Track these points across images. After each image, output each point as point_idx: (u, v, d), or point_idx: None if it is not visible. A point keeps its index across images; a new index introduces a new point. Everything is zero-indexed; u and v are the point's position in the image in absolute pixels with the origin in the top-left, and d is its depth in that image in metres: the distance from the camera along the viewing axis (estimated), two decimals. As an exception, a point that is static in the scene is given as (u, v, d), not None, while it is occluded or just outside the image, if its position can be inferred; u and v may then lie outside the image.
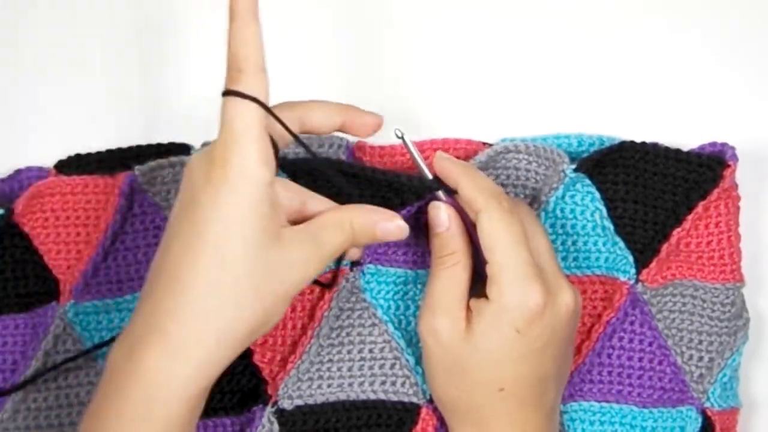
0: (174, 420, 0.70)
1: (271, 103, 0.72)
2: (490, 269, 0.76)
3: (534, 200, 0.84)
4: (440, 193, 0.79)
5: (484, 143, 0.87)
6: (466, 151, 0.86)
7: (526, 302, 0.75)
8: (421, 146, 0.86)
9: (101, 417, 0.71)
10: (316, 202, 0.77)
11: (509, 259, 0.75)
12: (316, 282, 0.82)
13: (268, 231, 0.70)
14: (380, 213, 0.76)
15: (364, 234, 0.76)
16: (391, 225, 0.76)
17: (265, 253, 0.70)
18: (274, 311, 0.72)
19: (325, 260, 0.75)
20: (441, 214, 0.78)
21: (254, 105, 0.70)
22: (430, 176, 0.79)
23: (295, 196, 0.76)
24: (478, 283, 0.78)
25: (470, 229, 0.78)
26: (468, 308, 0.77)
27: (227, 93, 0.71)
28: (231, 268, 0.69)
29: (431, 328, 0.77)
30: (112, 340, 0.83)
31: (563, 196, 0.83)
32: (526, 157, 0.83)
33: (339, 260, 0.82)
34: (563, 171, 0.83)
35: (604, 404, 0.84)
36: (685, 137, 0.85)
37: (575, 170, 0.83)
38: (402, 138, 0.78)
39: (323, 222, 0.75)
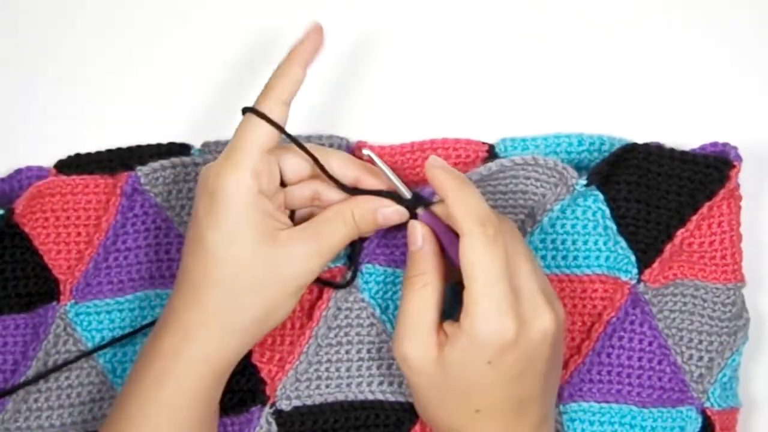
0: (185, 395, 0.77)
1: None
2: (466, 297, 0.74)
3: (537, 206, 0.83)
4: (420, 210, 0.78)
5: (484, 143, 0.86)
6: (465, 151, 0.86)
7: (497, 337, 0.74)
8: (421, 146, 0.86)
9: (126, 394, 0.78)
10: (328, 192, 0.80)
11: (485, 291, 0.74)
12: (330, 284, 0.83)
13: (262, 234, 0.76)
14: (378, 200, 0.79)
15: (366, 222, 0.79)
16: (390, 210, 0.79)
17: (261, 253, 0.76)
18: (278, 303, 0.78)
19: (326, 253, 0.78)
20: (416, 232, 0.78)
21: (264, 127, 0.76)
22: (408, 195, 0.79)
23: (306, 186, 0.80)
24: (460, 302, 0.77)
25: (448, 245, 0.77)
26: (443, 330, 0.76)
27: (246, 110, 0.77)
28: (228, 268, 0.76)
29: (401, 354, 0.76)
30: (114, 341, 0.84)
31: (567, 202, 0.83)
32: (525, 167, 0.82)
33: (354, 260, 0.83)
34: (572, 186, 0.82)
35: (603, 405, 0.83)
36: (685, 137, 0.85)
37: (586, 185, 0.82)
38: (371, 157, 0.78)
39: (324, 217, 0.78)
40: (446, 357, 0.75)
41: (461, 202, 0.75)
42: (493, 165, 0.82)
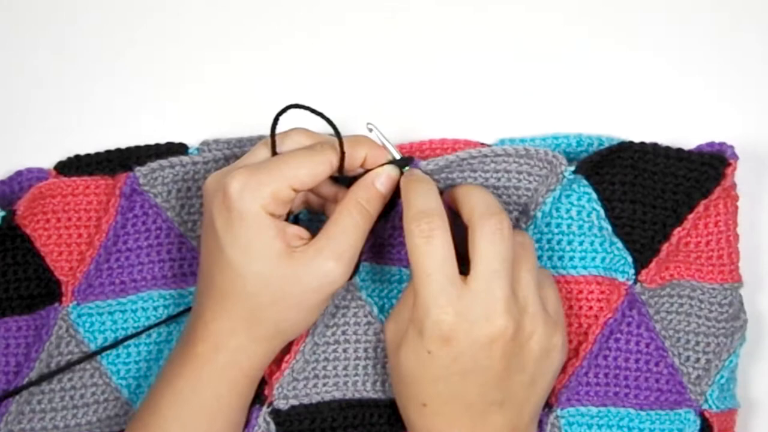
0: (220, 399, 0.79)
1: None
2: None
3: (530, 201, 0.83)
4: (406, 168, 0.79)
5: (483, 143, 0.86)
6: (462, 151, 0.86)
7: (434, 328, 0.75)
8: (420, 146, 0.86)
9: (157, 397, 0.80)
10: (325, 186, 0.80)
11: (420, 286, 0.75)
12: None
13: (279, 253, 0.76)
14: (368, 175, 0.79)
15: (372, 199, 0.79)
16: (383, 175, 0.79)
17: (279, 270, 0.77)
18: (301, 315, 0.79)
19: (345, 255, 0.77)
20: None
21: (305, 168, 0.77)
22: (398, 156, 0.79)
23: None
24: None
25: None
26: None
27: (290, 107, 0.79)
28: (250, 284, 0.77)
29: (384, 329, 0.79)
30: (118, 342, 0.85)
31: (560, 197, 0.83)
32: (517, 159, 0.82)
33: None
34: (561, 173, 0.82)
35: (601, 408, 0.83)
36: (683, 137, 0.84)
37: (574, 172, 0.82)
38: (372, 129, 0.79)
39: (332, 221, 0.78)
40: (402, 344, 0.77)
41: (405, 197, 0.77)
42: (485, 149, 0.82)
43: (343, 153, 0.78)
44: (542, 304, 0.78)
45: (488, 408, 0.77)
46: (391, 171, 0.79)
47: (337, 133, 0.78)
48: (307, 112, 0.79)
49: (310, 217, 0.85)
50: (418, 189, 0.77)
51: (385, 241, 0.84)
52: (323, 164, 0.77)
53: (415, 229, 0.75)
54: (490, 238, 0.75)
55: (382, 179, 0.79)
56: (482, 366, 0.76)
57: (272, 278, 0.76)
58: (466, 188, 0.79)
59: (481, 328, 0.75)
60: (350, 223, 0.78)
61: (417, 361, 0.76)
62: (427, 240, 0.75)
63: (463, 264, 0.76)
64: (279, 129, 0.79)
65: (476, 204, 0.77)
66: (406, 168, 0.79)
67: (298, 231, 0.78)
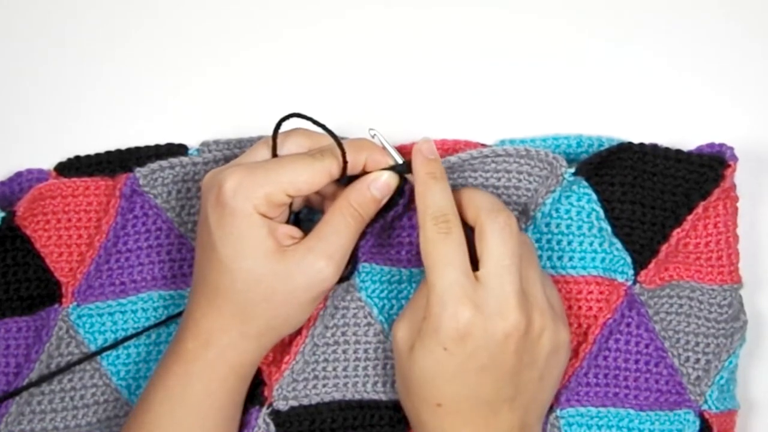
0: (210, 396, 0.79)
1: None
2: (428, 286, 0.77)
3: (530, 202, 0.83)
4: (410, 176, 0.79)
5: (483, 144, 0.86)
6: (463, 152, 0.85)
7: (451, 322, 0.75)
8: (420, 147, 0.86)
9: (151, 395, 0.80)
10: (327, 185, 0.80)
11: (437, 279, 0.75)
12: None
13: (270, 250, 0.77)
14: (365, 178, 0.79)
15: (365, 203, 0.79)
16: (380, 181, 0.79)
17: (270, 267, 0.77)
18: (291, 312, 0.79)
19: (336, 255, 0.78)
20: None
21: (303, 175, 0.77)
22: (400, 161, 0.79)
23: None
24: None
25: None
26: None
27: (290, 116, 0.79)
28: (240, 281, 0.78)
29: (393, 332, 0.79)
30: (117, 343, 0.84)
31: (559, 198, 0.83)
32: (517, 159, 0.82)
33: (351, 256, 0.81)
34: (561, 175, 0.82)
35: (601, 409, 0.83)
36: (684, 138, 0.85)
37: (574, 174, 0.82)
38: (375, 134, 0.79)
39: (324, 220, 0.79)
40: (415, 345, 0.77)
41: (422, 195, 0.77)
42: (485, 150, 0.82)
43: (345, 163, 0.78)
44: (549, 301, 0.78)
45: (501, 405, 0.77)
46: (390, 178, 0.79)
47: (339, 145, 0.78)
48: (304, 110, 0.79)
49: (310, 216, 0.85)
50: (435, 187, 0.77)
51: (384, 242, 0.84)
52: (321, 174, 0.77)
53: (432, 224, 0.76)
54: (500, 234, 0.76)
55: (378, 185, 0.79)
56: (497, 362, 0.76)
57: (263, 275, 0.77)
58: (468, 190, 0.79)
59: (496, 324, 0.75)
60: (342, 224, 0.78)
61: (432, 360, 0.76)
62: (445, 236, 0.76)
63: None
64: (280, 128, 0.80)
65: (482, 203, 0.77)
66: (409, 175, 0.79)
67: (289, 230, 0.78)
